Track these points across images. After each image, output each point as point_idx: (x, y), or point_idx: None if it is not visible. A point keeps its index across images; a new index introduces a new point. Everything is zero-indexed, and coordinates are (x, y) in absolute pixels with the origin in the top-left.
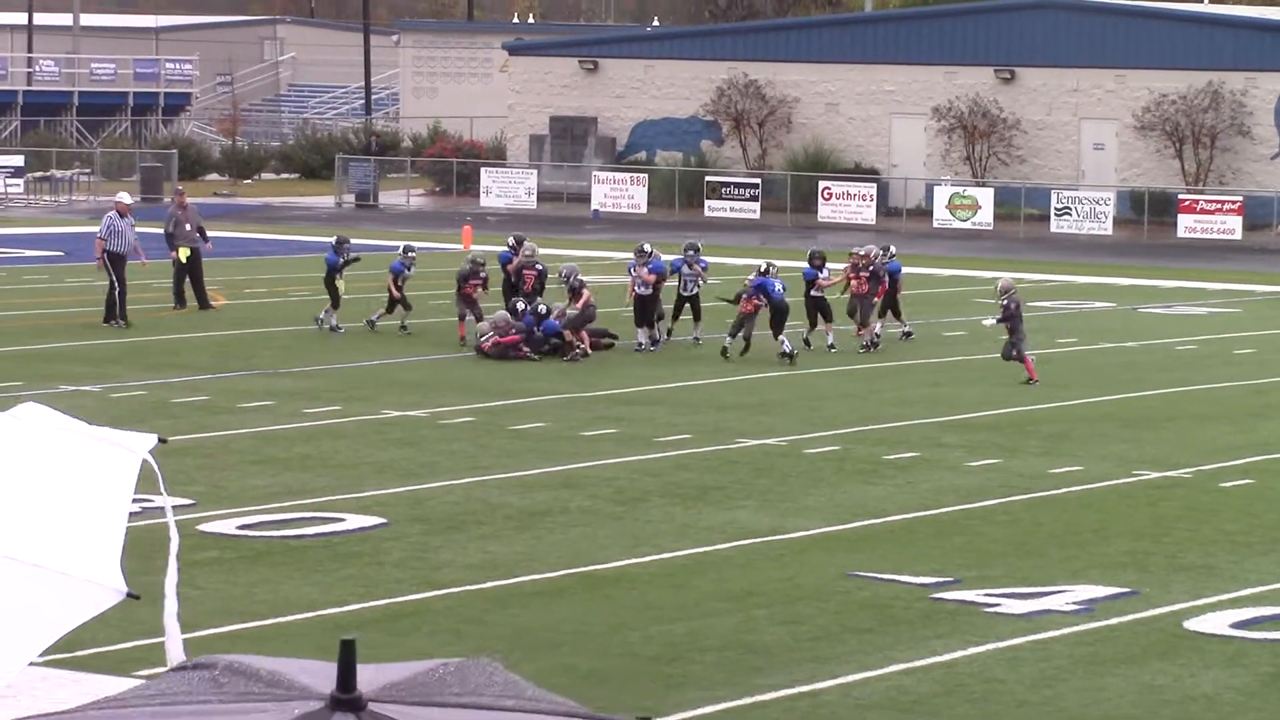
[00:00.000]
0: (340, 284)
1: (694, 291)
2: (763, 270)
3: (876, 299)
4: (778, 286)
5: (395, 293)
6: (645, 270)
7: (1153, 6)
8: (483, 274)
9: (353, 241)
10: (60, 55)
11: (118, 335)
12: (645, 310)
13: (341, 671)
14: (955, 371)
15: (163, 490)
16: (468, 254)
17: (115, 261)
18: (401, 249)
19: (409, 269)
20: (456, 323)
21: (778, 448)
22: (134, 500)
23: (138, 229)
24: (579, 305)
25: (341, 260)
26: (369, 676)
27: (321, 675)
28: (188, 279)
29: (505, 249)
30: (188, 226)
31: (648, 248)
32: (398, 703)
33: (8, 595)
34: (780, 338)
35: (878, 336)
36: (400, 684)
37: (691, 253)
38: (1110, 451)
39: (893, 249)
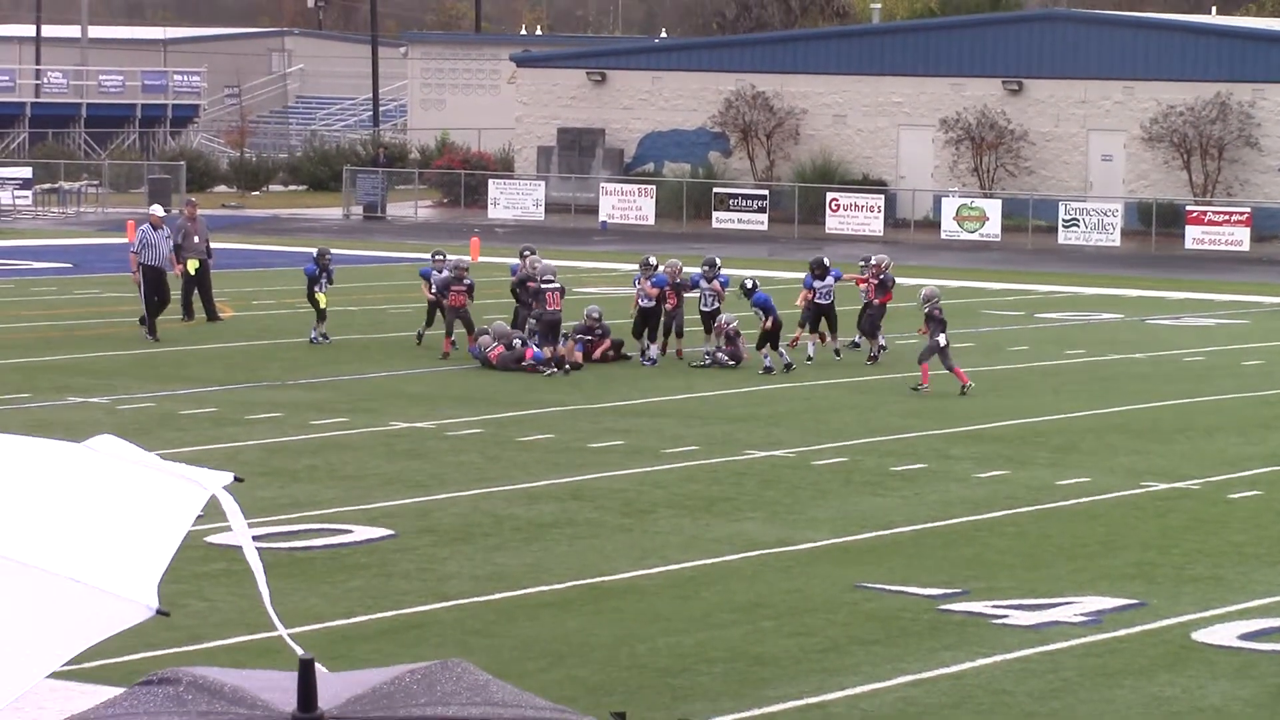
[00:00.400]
0: (321, 297)
1: (714, 308)
2: (749, 287)
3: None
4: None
5: (431, 297)
6: (648, 283)
7: (1160, 18)
8: (467, 280)
9: (334, 253)
10: (68, 67)
11: (125, 347)
12: (648, 323)
13: (301, 691)
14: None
15: (235, 525)
16: (445, 259)
17: (151, 275)
18: (431, 256)
19: (442, 273)
20: (446, 335)
21: (785, 459)
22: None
23: None
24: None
25: (318, 271)
26: (334, 689)
27: (287, 690)
28: (196, 291)
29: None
30: (196, 239)
31: (652, 260)
32: (359, 719)
33: (36, 605)
34: (779, 349)
35: (882, 348)
36: (364, 697)
37: (708, 269)
38: (1118, 463)
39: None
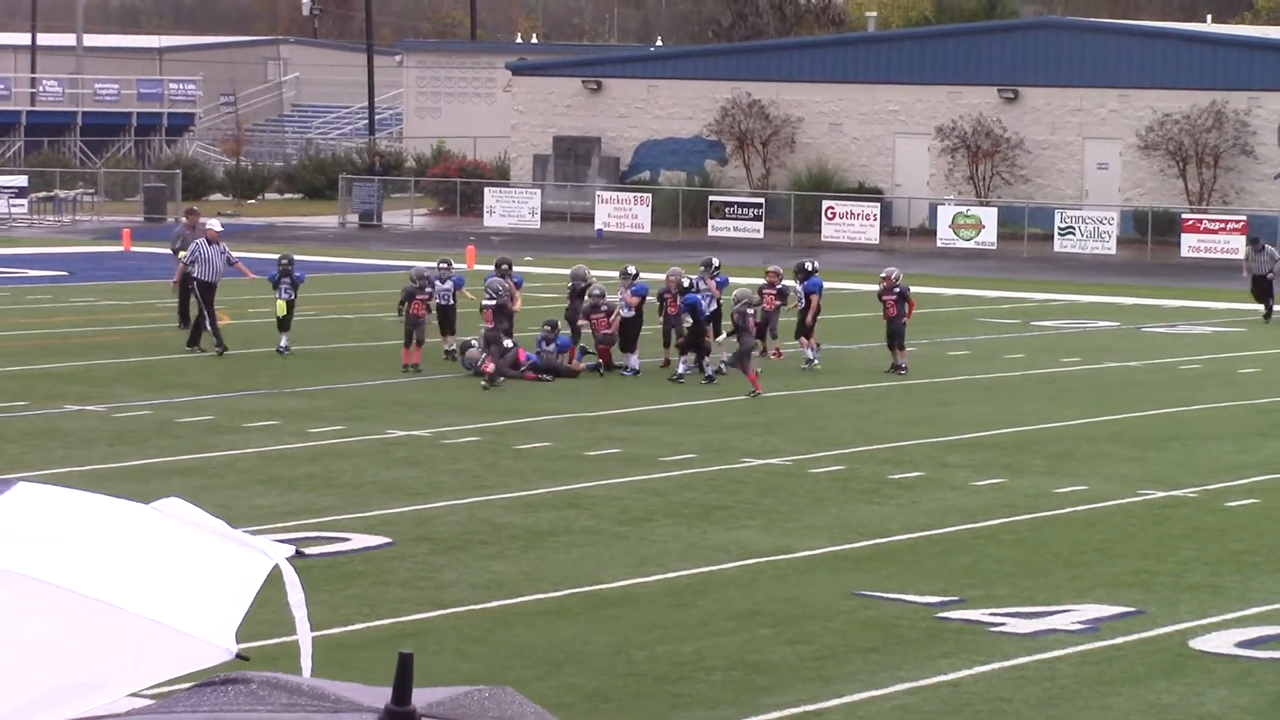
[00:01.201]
0: (280, 304)
1: (712, 309)
2: (686, 286)
3: (906, 319)
4: (703, 304)
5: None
6: (628, 292)
7: (1156, 26)
8: (428, 289)
9: (297, 259)
10: (64, 75)
11: (121, 355)
12: (627, 333)
13: (398, 685)
14: (959, 391)
15: (293, 597)
16: (450, 268)
17: (204, 290)
18: (436, 265)
19: (443, 282)
20: (404, 345)
21: (782, 467)
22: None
23: (144, 249)
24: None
25: (278, 276)
26: (414, 696)
27: (360, 693)
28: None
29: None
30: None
31: (631, 269)
32: (452, 718)
33: (120, 640)
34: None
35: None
36: (444, 703)
37: (704, 269)
38: (1115, 471)
39: (815, 264)
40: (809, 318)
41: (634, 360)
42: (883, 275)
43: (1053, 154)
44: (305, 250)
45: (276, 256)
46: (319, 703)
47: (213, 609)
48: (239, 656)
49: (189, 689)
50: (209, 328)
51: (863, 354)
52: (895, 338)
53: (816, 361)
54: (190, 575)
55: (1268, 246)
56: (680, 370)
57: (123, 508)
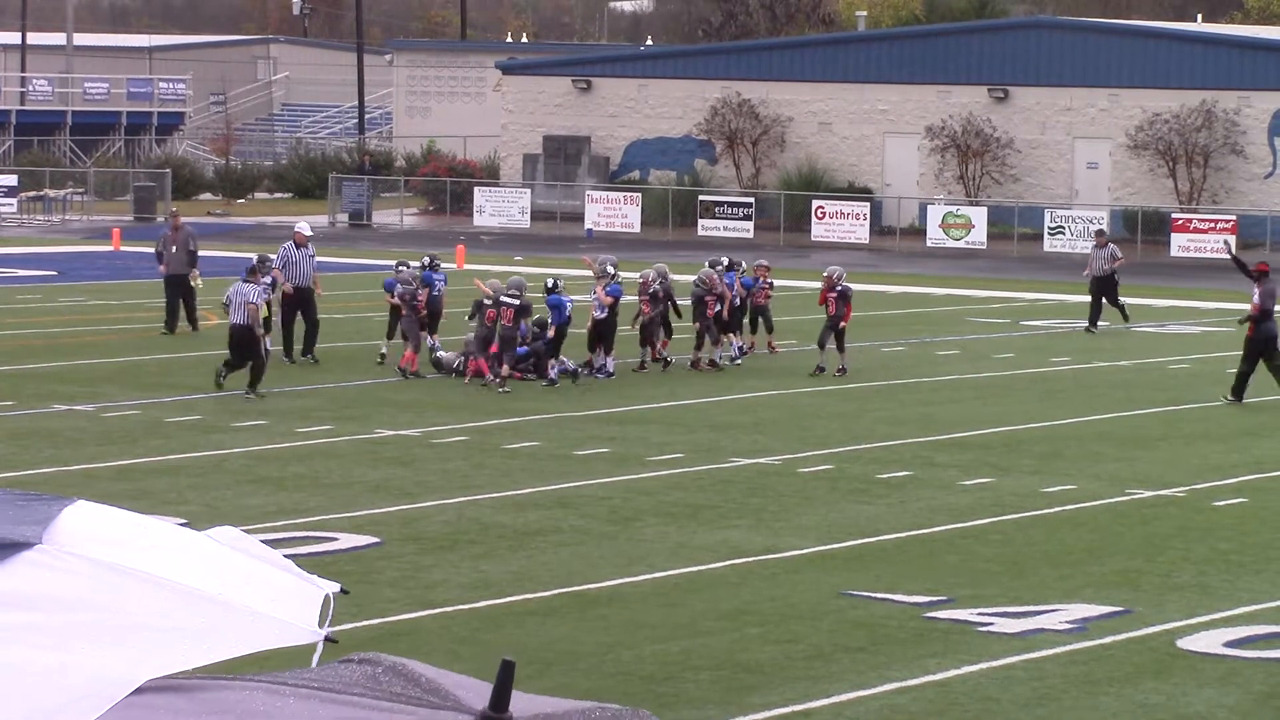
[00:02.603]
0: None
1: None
2: (550, 286)
3: (844, 323)
4: (568, 307)
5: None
6: (603, 292)
7: (1146, 26)
8: (419, 290)
9: (271, 259)
10: (53, 75)
11: (110, 355)
12: (600, 334)
13: (497, 690)
14: (947, 390)
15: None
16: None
17: (296, 293)
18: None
19: (410, 284)
20: (393, 345)
21: (771, 467)
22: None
23: (134, 249)
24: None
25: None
26: (522, 704)
27: (478, 693)
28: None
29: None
30: (174, 248)
31: (610, 268)
32: None
33: (194, 615)
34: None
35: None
36: (555, 716)
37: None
38: (1103, 470)
39: (744, 264)
40: (725, 312)
41: (609, 362)
42: (825, 274)
43: (1042, 153)
44: None
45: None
46: (426, 697)
47: (293, 606)
48: (329, 639)
49: (325, 665)
50: (309, 334)
51: (851, 353)
52: (833, 337)
53: (738, 359)
54: (264, 585)
55: (1111, 244)
56: (552, 374)
57: (184, 531)
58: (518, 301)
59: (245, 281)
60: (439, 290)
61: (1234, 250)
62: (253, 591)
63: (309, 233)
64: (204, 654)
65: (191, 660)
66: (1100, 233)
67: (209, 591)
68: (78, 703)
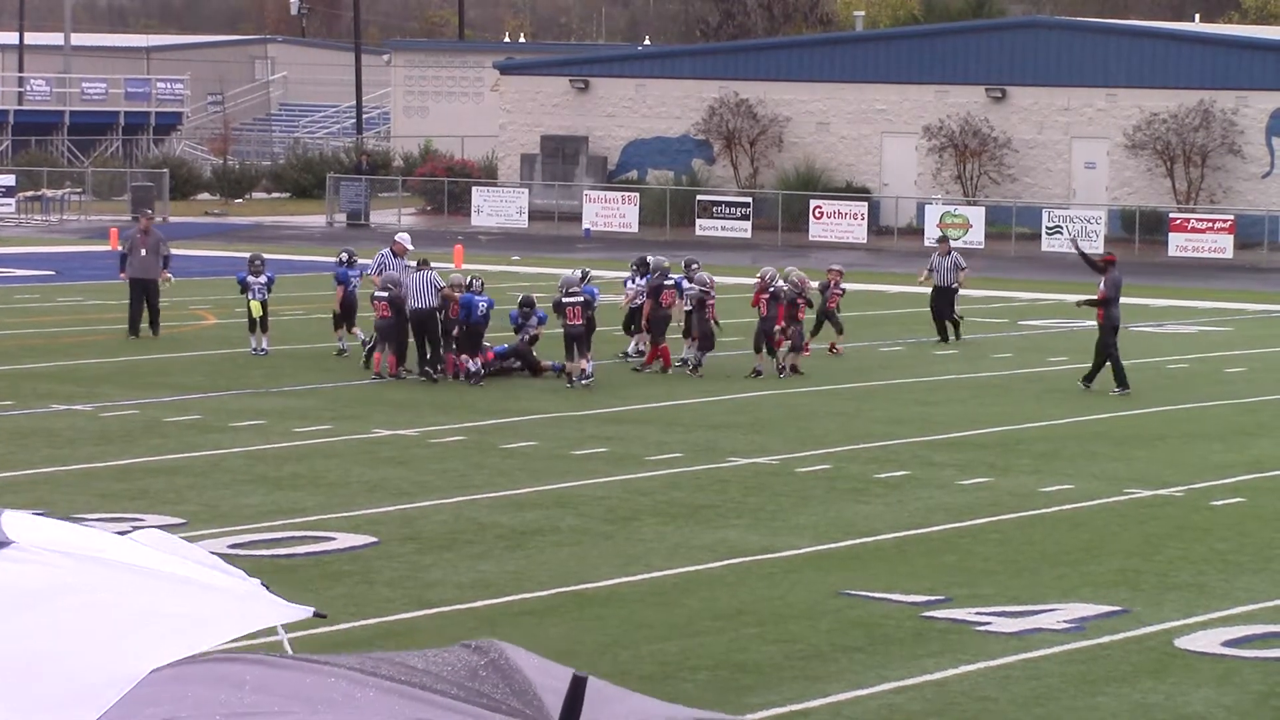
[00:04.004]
0: (254, 305)
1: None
2: (467, 285)
3: (780, 324)
4: (481, 307)
5: (339, 308)
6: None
7: (1144, 25)
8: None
9: (278, 259)
10: (51, 75)
11: (108, 354)
12: (574, 338)
13: (567, 706)
14: (946, 390)
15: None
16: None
17: (418, 319)
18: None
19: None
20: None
21: (769, 466)
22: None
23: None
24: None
25: (247, 277)
26: (615, 712)
27: (554, 697)
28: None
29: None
30: (143, 252)
31: (578, 273)
32: None
33: (188, 601)
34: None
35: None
36: None
37: (695, 266)
38: (1101, 470)
39: (697, 264)
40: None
41: (589, 365)
42: (758, 275)
43: (1040, 153)
44: (293, 250)
45: (248, 256)
46: (509, 700)
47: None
48: (317, 614)
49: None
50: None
51: (849, 353)
52: (764, 338)
53: (699, 366)
54: (209, 576)
55: (954, 252)
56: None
57: (112, 535)
58: (580, 299)
59: (416, 271)
60: (353, 287)
61: (1080, 245)
62: (209, 581)
63: (410, 246)
64: (211, 637)
65: (198, 645)
66: (944, 239)
67: (196, 578)
68: (99, 689)
